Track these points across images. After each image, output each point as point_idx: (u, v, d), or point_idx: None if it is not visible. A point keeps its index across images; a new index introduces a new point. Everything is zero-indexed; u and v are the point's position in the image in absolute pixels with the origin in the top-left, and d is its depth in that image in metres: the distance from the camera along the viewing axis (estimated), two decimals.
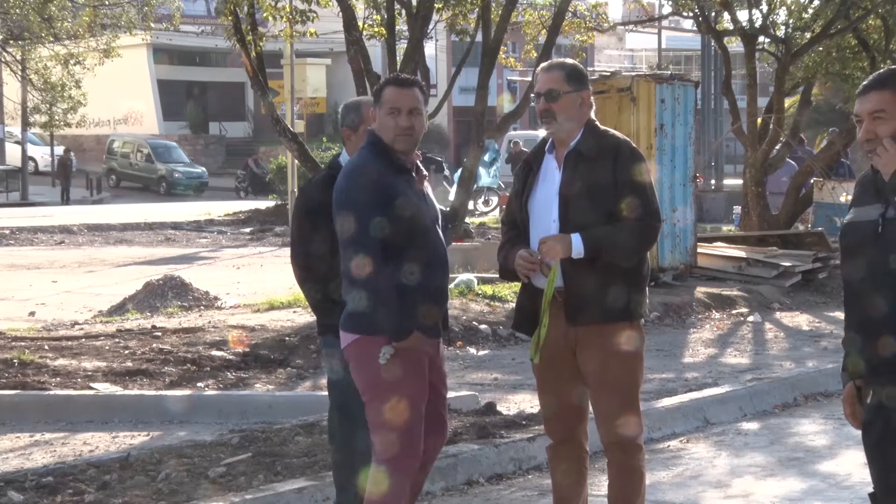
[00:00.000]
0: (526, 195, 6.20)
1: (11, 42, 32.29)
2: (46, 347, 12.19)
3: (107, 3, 28.22)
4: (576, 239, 5.88)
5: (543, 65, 6.26)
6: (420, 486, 6.46)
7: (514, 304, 14.70)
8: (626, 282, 6.01)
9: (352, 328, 6.03)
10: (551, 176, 6.12)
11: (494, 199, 38.03)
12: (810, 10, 20.79)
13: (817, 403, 10.93)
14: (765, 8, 20.81)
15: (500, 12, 15.98)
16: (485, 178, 37.15)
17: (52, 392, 10.55)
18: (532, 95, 6.22)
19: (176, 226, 33.93)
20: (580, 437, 6.25)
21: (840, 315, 16.92)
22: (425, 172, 6.20)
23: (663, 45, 54.25)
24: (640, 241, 6.01)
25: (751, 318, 15.57)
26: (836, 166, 22.33)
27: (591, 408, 6.27)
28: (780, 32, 20.84)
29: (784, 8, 21.05)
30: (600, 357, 6.00)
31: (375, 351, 5.94)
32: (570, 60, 6.47)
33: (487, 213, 37.14)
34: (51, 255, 25.88)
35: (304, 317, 13.37)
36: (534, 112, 6.98)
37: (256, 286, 18.39)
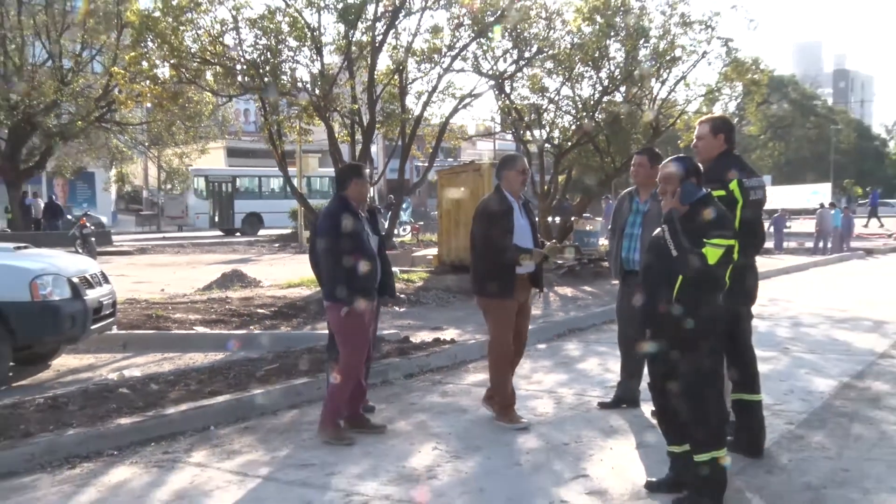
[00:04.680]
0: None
1: (151, 146, 32.50)
2: (169, 307, 11.90)
3: (202, 125, 28.28)
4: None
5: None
6: (364, 382, 6.29)
7: (418, 285, 14.42)
8: None
9: (328, 298, 5.98)
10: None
11: (408, 228, 37.75)
12: (570, 132, 20.88)
13: (574, 334, 10.93)
14: (547, 129, 20.91)
15: (409, 129, 15.95)
16: (403, 216, 36.75)
17: (172, 332, 10.30)
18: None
19: (237, 243, 33.19)
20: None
21: (588, 288, 16.57)
22: (377, 211, 6.29)
23: (497, 147, 54.58)
24: None
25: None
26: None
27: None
28: (556, 142, 20.95)
29: (556, 130, 21.15)
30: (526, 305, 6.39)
31: (338, 309, 5.89)
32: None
33: (404, 236, 36.87)
34: (172, 258, 25.21)
35: (309, 291, 13.13)
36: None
37: (280, 275, 18.02)
